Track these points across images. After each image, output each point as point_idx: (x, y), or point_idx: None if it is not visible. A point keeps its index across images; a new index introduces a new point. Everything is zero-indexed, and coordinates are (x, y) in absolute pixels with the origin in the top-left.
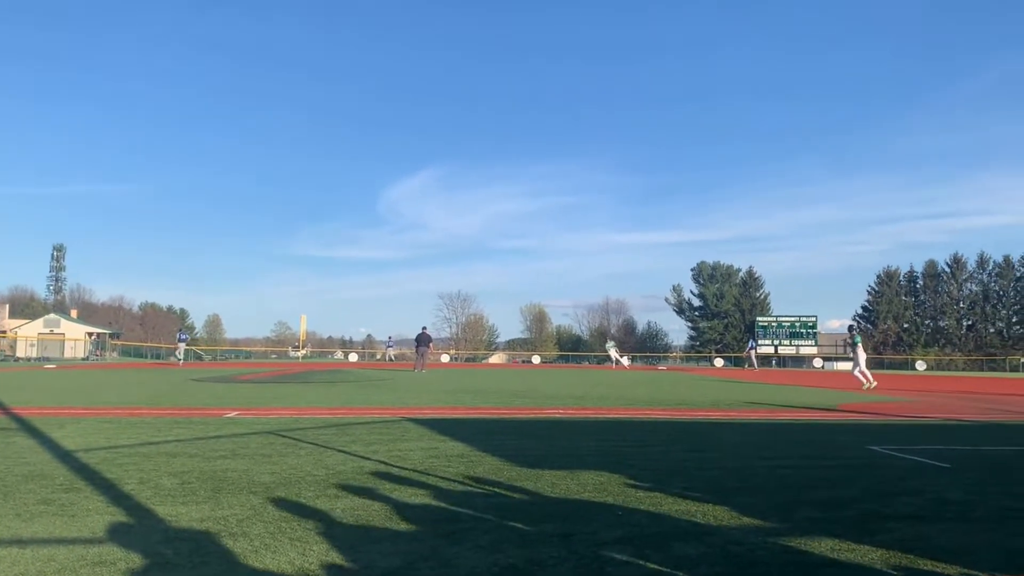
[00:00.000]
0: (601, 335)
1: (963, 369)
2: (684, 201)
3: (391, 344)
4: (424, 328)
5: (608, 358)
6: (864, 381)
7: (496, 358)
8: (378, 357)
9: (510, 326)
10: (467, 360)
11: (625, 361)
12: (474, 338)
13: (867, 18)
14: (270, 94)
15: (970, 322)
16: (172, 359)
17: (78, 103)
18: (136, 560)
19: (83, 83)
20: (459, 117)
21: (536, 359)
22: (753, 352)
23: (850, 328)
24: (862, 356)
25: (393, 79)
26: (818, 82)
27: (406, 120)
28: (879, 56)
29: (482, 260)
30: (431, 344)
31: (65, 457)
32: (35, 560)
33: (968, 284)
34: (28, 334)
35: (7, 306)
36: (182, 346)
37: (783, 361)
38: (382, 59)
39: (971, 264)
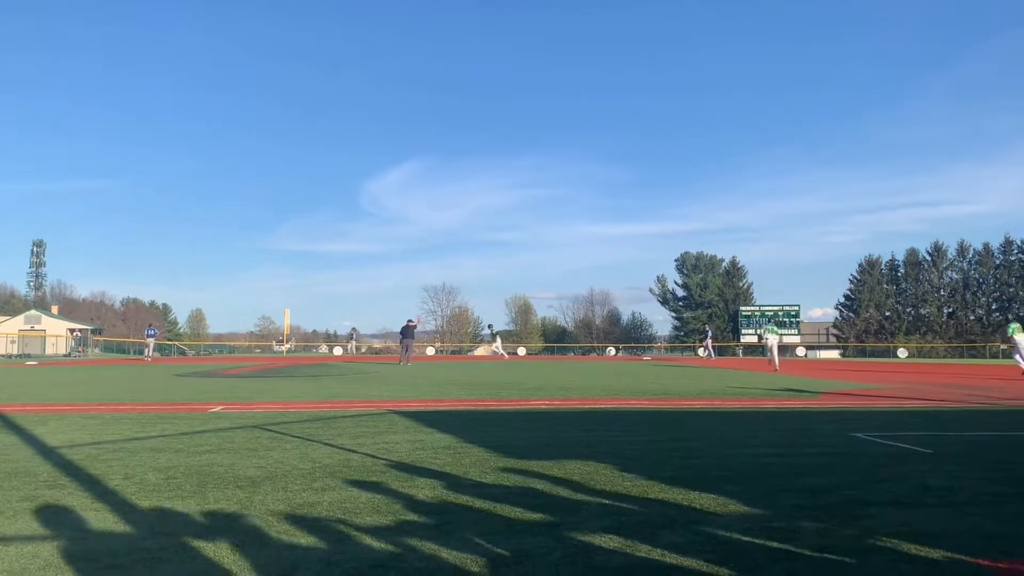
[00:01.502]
0: (586, 326)
1: (944, 356)
2: (667, 192)
3: (354, 336)
4: (409, 320)
5: (493, 350)
6: (774, 367)
7: (482, 350)
8: (363, 351)
9: (495, 318)
10: (452, 353)
11: (499, 350)
12: (459, 331)
13: (847, 10)
14: (251, 86)
15: (951, 309)
16: (153, 355)
17: (56, 97)
18: (121, 556)
19: (61, 76)
20: (441, 110)
21: (521, 351)
22: (709, 342)
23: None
24: (772, 345)
25: (374, 71)
26: (799, 73)
27: (388, 113)
28: (859, 48)
29: (466, 253)
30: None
31: (48, 453)
32: (19, 557)
33: (949, 272)
34: (8, 331)
35: None
36: (151, 342)
37: (763, 351)
38: (364, 51)
39: (951, 252)
